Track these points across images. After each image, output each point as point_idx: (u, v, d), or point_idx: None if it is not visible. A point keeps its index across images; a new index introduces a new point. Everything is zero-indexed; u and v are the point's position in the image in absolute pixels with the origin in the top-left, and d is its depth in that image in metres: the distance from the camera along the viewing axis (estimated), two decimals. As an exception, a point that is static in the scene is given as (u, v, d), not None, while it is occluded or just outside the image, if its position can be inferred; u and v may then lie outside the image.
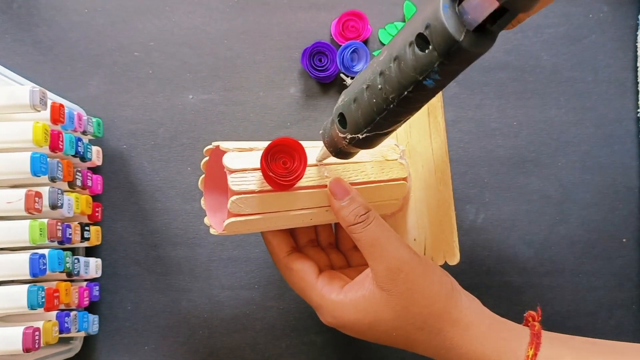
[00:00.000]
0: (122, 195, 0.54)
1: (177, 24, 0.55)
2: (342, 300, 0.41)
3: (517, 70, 0.55)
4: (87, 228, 0.49)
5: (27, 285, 0.41)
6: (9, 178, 0.42)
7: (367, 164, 0.44)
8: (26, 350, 0.40)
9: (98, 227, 0.52)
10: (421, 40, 0.29)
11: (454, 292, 0.40)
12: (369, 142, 0.36)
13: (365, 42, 0.55)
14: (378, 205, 0.45)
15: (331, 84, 0.55)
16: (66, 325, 0.46)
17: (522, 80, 0.55)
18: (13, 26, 0.55)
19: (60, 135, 0.44)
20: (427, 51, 0.29)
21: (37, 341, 0.41)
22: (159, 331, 0.54)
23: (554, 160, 0.55)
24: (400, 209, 0.47)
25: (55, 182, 0.44)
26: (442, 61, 0.29)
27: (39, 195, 0.42)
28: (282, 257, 0.44)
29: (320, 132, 0.39)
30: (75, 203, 0.47)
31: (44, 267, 0.42)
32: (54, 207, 0.43)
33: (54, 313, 0.45)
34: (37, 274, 0.41)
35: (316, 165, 0.41)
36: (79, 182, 0.48)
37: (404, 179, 0.46)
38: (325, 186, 0.41)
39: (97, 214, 0.51)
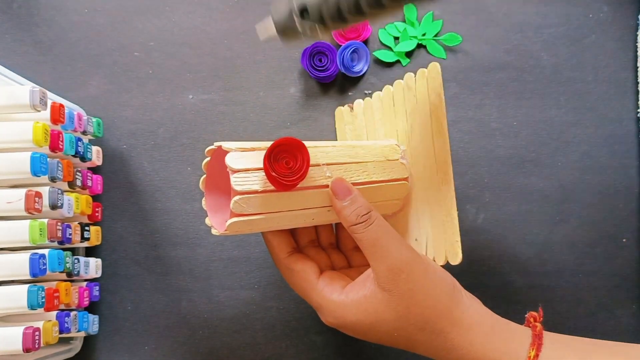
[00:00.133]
0: (122, 195, 0.54)
1: (177, 24, 0.55)
2: (343, 300, 0.41)
3: (517, 70, 0.55)
4: (87, 228, 0.49)
5: (27, 285, 0.41)
6: (9, 178, 0.42)
7: (368, 164, 0.44)
8: (26, 350, 0.40)
9: (98, 227, 0.52)
10: None
11: (455, 293, 0.40)
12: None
13: (365, 42, 0.55)
14: (379, 205, 0.45)
15: (331, 84, 0.55)
16: (66, 325, 0.45)
17: (522, 80, 0.55)
18: (13, 26, 0.55)
19: (60, 135, 0.44)
20: None
21: (37, 341, 0.41)
22: (159, 331, 0.54)
23: (554, 160, 0.55)
24: (401, 209, 0.47)
25: (55, 182, 0.44)
26: None
27: (39, 195, 0.42)
28: (282, 257, 0.44)
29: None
30: (75, 203, 0.47)
31: (44, 267, 0.42)
32: (54, 207, 0.43)
33: (54, 313, 0.45)
34: (37, 274, 0.41)
35: (318, 165, 0.41)
36: (79, 182, 0.48)
37: (405, 179, 0.46)
38: (327, 186, 0.41)
39: (97, 214, 0.51)
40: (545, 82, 0.55)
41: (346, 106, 0.53)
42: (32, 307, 0.41)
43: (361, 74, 0.54)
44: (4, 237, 0.41)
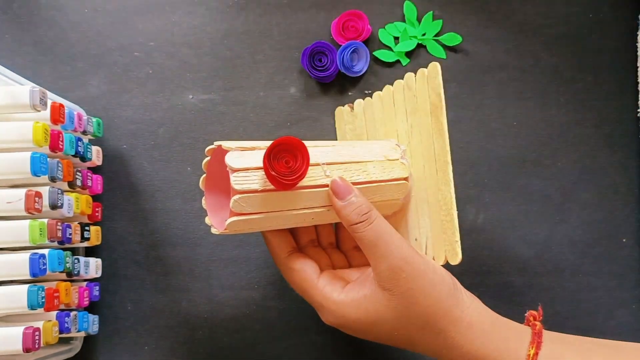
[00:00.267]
0: (122, 195, 0.54)
1: (177, 24, 0.55)
2: (343, 300, 0.41)
3: (517, 70, 0.55)
4: (87, 228, 0.49)
5: (27, 285, 0.41)
6: (9, 178, 0.42)
7: (368, 163, 0.44)
8: (26, 350, 0.40)
9: (98, 227, 0.52)
10: None
11: (455, 292, 0.40)
12: None
13: (365, 42, 0.55)
14: (379, 205, 0.45)
15: (331, 84, 0.55)
16: (66, 325, 0.45)
17: (522, 80, 0.55)
18: (13, 26, 0.55)
19: (60, 135, 0.44)
20: None
21: (37, 341, 0.41)
22: (159, 331, 0.54)
23: (554, 160, 0.55)
24: (401, 209, 0.47)
25: (55, 182, 0.44)
26: None
27: (39, 195, 0.42)
28: (283, 257, 0.44)
29: None
30: (75, 203, 0.47)
31: (44, 267, 0.42)
32: (54, 207, 0.43)
33: (54, 313, 0.45)
34: (37, 274, 0.41)
35: (318, 164, 0.41)
36: (79, 182, 0.48)
37: (405, 178, 0.46)
38: (327, 185, 0.41)
39: (97, 214, 0.51)
40: (545, 82, 0.55)
41: (346, 106, 0.53)
42: (32, 307, 0.41)
43: (361, 74, 0.54)
44: (4, 237, 0.41)
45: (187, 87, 0.55)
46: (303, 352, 0.53)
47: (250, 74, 0.55)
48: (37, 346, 0.41)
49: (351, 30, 0.54)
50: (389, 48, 0.55)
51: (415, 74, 0.45)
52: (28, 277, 0.41)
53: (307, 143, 0.41)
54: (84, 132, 0.50)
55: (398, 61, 0.55)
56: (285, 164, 0.39)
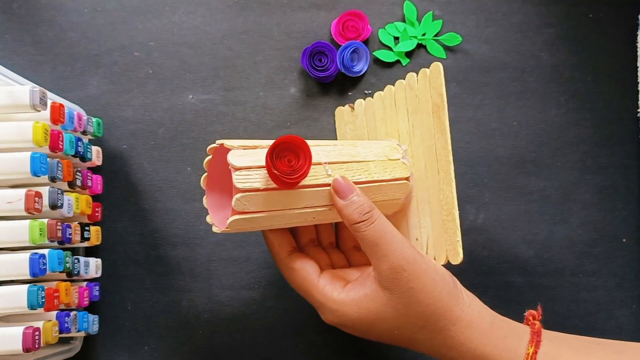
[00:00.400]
0: (122, 195, 0.54)
1: (177, 24, 0.55)
2: (344, 299, 0.41)
3: (517, 70, 0.55)
4: (87, 228, 0.49)
5: (27, 285, 0.41)
6: (9, 178, 0.42)
7: (370, 163, 0.44)
8: (26, 350, 0.40)
9: (98, 227, 0.52)
10: None
11: (455, 291, 0.40)
12: None
13: (365, 42, 0.55)
14: (380, 205, 0.45)
15: (331, 84, 0.55)
16: (66, 325, 0.45)
17: (522, 80, 0.55)
18: (13, 26, 0.55)
19: (60, 135, 0.44)
20: None
21: (37, 341, 0.41)
22: (159, 331, 0.54)
23: (554, 160, 0.55)
24: (402, 209, 0.47)
25: (55, 182, 0.44)
26: None
27: (39, 195, 0.42)
28: (283, 256, 0.44)
29: None
30: (75, 203, 0.47)
31: (44, 267, 0.42)
32: (54, 207, 0.43)
33: (54, 313, 0.45)
34: (37, 273, 0.41)
35: (320, 163, 0.41)
36: (79, 182, 0.48)
37: (407, 178, 0.46)
38: (329, 185, 0.41)
39: (97, 214, 0.51)
40: (545, 82, 0.55)
41: (347, 106, 0.53)
42: (32, 307, 0.41)
43: (361, 74, 0.54)
44: (4, 237, 0.41)
45: (187, 87, 0.55)
46: (303, 352, 0.54)
47: (250, 74, 0.55)
48: (37, 346, 0.41)
49: (351, 30, 0.54)
50: (389, 48, 0.55)
51: (417, 73, 0.45)
52: (28, 277, 0.41)
53: (309, 142, 0.41)
54: (84, 132, 0.50)
55: (398, 61, 0.55)
56: (288, 163, 0.39)
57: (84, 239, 0.49)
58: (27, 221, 0.41)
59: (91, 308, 0.53)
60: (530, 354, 0.39)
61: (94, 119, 0.51)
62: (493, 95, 0.55)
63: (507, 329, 0.40)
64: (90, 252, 0.53)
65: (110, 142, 0.54)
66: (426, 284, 0.39)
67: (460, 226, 0.43)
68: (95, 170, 0.53)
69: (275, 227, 0.42)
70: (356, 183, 0.42)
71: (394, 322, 0.40)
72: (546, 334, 0.40)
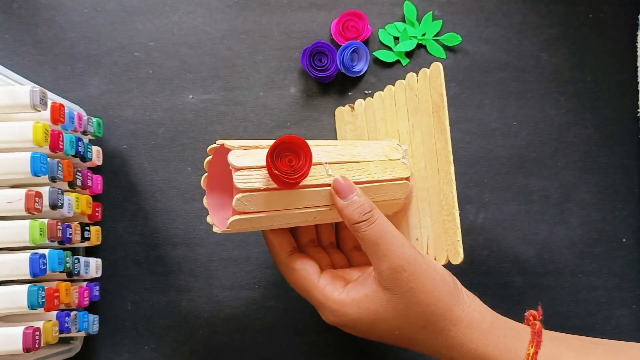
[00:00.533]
0: (122, 195, 0.54)
1: (177, 24, 0.55)
2: (344, 299, 0.41)
3: (517, 70, 0.55)
4: (87, 228, 0.49)
5: (27, 285, 0.41)
6: (9, 178, 0.42)
7: (370, 163, 0.44)
8: (26, 350, 0.40)
9: (98, 227, 0.52)
10: None
11: (456, 291, 0.40)
12: None
13: (365, 42, 0.55)
14: (380, 205, 0.45)
15: (331, 84, 0.55)
16: (66, 325, 0.45)
17: (522, 80, 0.55)
18: (13, 26, 0.55)
19: (61, 135, 0.44)
20: None
21: (37, 341, 0.41)
22: (159, 331, 0.54)
23: (554, 160, 0.55)
24: (402, 209, 0.47)
25: (55, 182, 0.44)
26: None
27: (39, 195, 0.42)
28: (283, 257, 0.44)
29: None
30: (76, 203, 0.47)
31: (44, 267, 0.42)
32: (54, 207, 0.43)
33: (54, 313, 0.45)
34: (37, 273, 0.41)
35: (320, 164, 0.42)
36: (79, 182, 0.48)
37: (407, 178, 0.46)
38: (329, 185, 0.41)
39: (97, 214, 0.51)
40: (545, 82, 0.55)
41: (347, 106, 0.53)
42: (32, 307, 0.41)
43: (361, 74, 0.54)
44: (4, 237, 0.41)
45: (187, 87, 0.55)
46: (303, 352, 0.54)
47: (250, 74, 0.55)
48: (37, 346, 0.41)
49: (351, 30, 0.54)
50: (389, 48, 0.55)
51: (417, 74, 0.45)
52: (28, 277, 0.41)
53: (309, 142, 0.41)
54: (84, 132, 0.50)
55: (398, 61, 0.55)
56: (288, 163, 0.39)
57: (84, 239, 0.49)
58: (27, 221, 0.41)
59: (91, 308, 0.53)
60: (531, 354, 0.39)
61: (94, 119, 0.51)
62: (493, 95, 0.55)
63: (507, 329, 0.40)
64: (90, 252, 0.53)
65: (110, 142, 0.54)
66: (426, 284, 0.39)
67: (460, 226, 0.43)
68: (95, 170, 0.53)
69: (275, 227, 0.42)
70: (356, 183, 0.42)
71: (394, 323, 0.40)
72: (547, 334, 0.40)
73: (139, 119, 0.55)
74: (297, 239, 0.46)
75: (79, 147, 0.47)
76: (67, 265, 0.45)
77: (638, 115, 0.55)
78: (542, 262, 0.54)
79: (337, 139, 0.55)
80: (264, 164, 0.39)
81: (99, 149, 0.53)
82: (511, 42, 0.55)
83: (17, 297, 0.41)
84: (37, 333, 0.41)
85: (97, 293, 0.52)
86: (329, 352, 0.54)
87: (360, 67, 0.54)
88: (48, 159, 0.43)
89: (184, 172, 0.54)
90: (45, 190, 0.43)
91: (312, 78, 0.55)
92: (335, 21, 0.54)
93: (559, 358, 0.39)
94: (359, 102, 0.52)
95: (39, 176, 0.42)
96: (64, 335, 0.46)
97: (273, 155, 0.38)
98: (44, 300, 0.42)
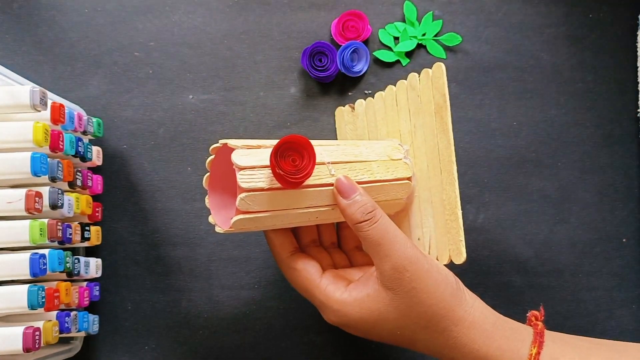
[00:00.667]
0: (122, 195, 0.54)
1: (177, 24, 0.55)
2: (346, 299, 0.41)
3: (517, 70, 0.55)
4: (87, 228, 0.49)
5: (27, 285, 0.41)
6: (9, 178, 0.42)
7: (372, 163, 0.44)
8: (26, 350, 0.40)
9: (98, 227, 0.52)
10: None
11: (458, 292, 0.40)
12: None
13: (365, 42, 0.55)
14: (383, 205, 0.45)
15: (331, 84, 0.55)
16: (66, 325, 0.45)
17: (522, 80, 0.55)
18: (13, 26, 0.55)
19: (61, 135, 0.44)
20: None
21: (37, 341, 0.41)
22: (159, 331, 0.53)
23: (554, 160, 0.55)
24: (404, 208, 0.47)
25: (55, 182, 0.44)
26: None
27: (39, 195, 0.42)
28: (285, 257, 0.44)
29: None
30: (76, 203, 0.47)
31: (44, 267, 0.42)
32: (54, 207, 0.43)
33: (54, 313, 0.45)
34: (37, 273, 0.41)
35: (323, 163, 0.42)
36: (79, 182, 0.48)
37: (409, 178, 0.46)
38: (332, 184, 0.41)
39: (97, 214, 0.51)
40: (545, 82, 0.55)
41: (347, 106, 0.53)
42: (32, 307, 0.41)
43: (361, 74, 0.54)
44: (4, 237, 0.41)
45: (187, 87, 0.55)
46: (303, 352, 0.53)
47: (250, 74, 0.55)
48: (37, 346, 0.41)
49: (351, 30, 0.54)
50: (389, 48, 0.55)
51: (419, 74, 0.45)
52: (28, 277, 0.41)
53: (312, 142, 0.41)
54: (84, 132, 0.50)
55: (398, 61, 0.55)
56: (292, 163, 0.39)
57: (84, 239, 0.49)
58: (28, 221, 0.41)
59: (91, 308, 0.53)
60: (533, 354, 0.39)
61: (94, 119, 0.51)
62: (493, 95, 0.55)
63: (509, 330, 0.40)
64: (90, 252, 0.53)
65: (110, 142, 0.54)
66: (429, 284, 0.39)
67: (462, 226, 0.43)
68: (95, 170, 0.53)
69: (278, 226, 0.42)
70: (359, 183, 0.42)
71: (396, 323, 0.40)
72: (549, 335, 0.40)
73: (139, 119, 0.54)
74: (299, 239, 0.46)
75: (79, 147, 0.47)
76: (67, 265, 0.45)
77: (638, 115, 0.55)
78: (542, 262, 0.54)
79: (337, 139, 0.55)
80: (268, 163, 0.39)
81: (99, 149, 0.53)
82: (511, 42, 0.55)
83: (17, 297, 0.41)
84: (37, 333, 0.41)
85: (97, 293, 0.51)
86: (329, 352, 0.54)
87: (360, 67, 0.54)
88: (48, 159, 0.42)
89: (184, 172, 0.54)
90: (45, 190, 0.43)
91: (312, 78, 0.55)
92: (335, 21, 0.54)
93: (562, 358, 0.39)
94: (360, 102, 0.52)
95: (39, 176, 0.42)
96: (64, 335, 0.46)
97: (277, 154, 0.38)
98: (44, 300, 0.42)
